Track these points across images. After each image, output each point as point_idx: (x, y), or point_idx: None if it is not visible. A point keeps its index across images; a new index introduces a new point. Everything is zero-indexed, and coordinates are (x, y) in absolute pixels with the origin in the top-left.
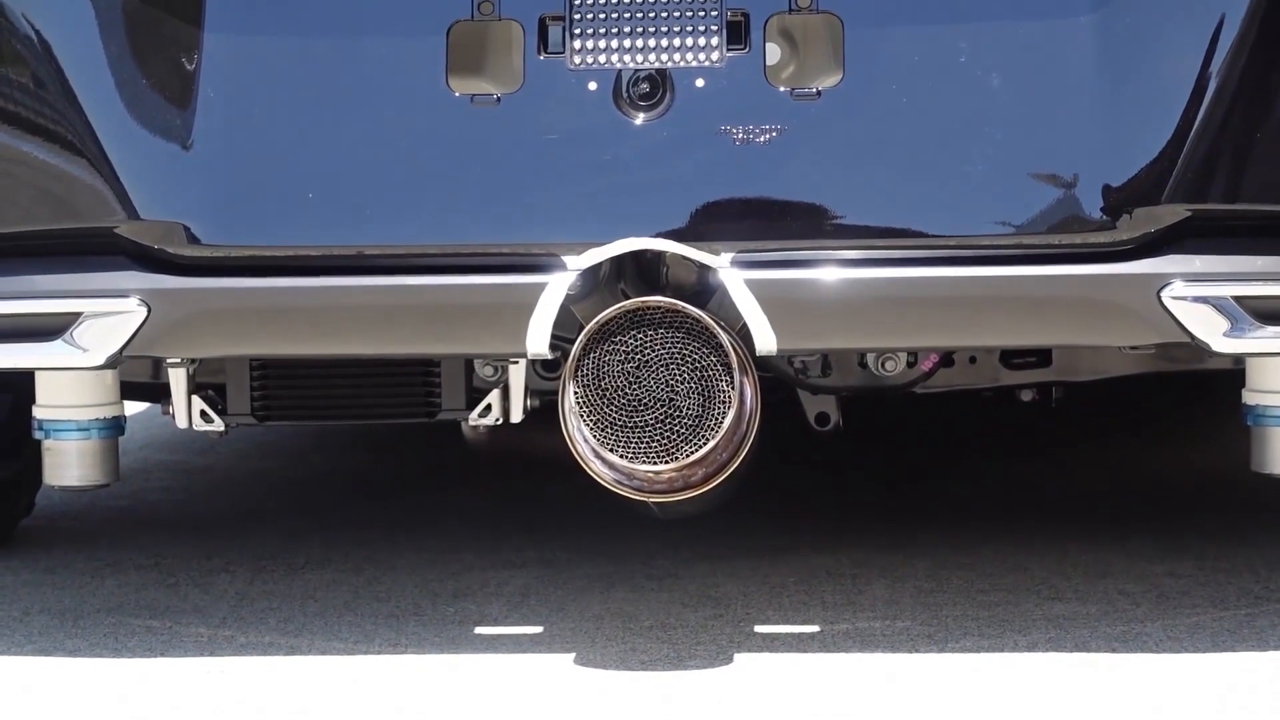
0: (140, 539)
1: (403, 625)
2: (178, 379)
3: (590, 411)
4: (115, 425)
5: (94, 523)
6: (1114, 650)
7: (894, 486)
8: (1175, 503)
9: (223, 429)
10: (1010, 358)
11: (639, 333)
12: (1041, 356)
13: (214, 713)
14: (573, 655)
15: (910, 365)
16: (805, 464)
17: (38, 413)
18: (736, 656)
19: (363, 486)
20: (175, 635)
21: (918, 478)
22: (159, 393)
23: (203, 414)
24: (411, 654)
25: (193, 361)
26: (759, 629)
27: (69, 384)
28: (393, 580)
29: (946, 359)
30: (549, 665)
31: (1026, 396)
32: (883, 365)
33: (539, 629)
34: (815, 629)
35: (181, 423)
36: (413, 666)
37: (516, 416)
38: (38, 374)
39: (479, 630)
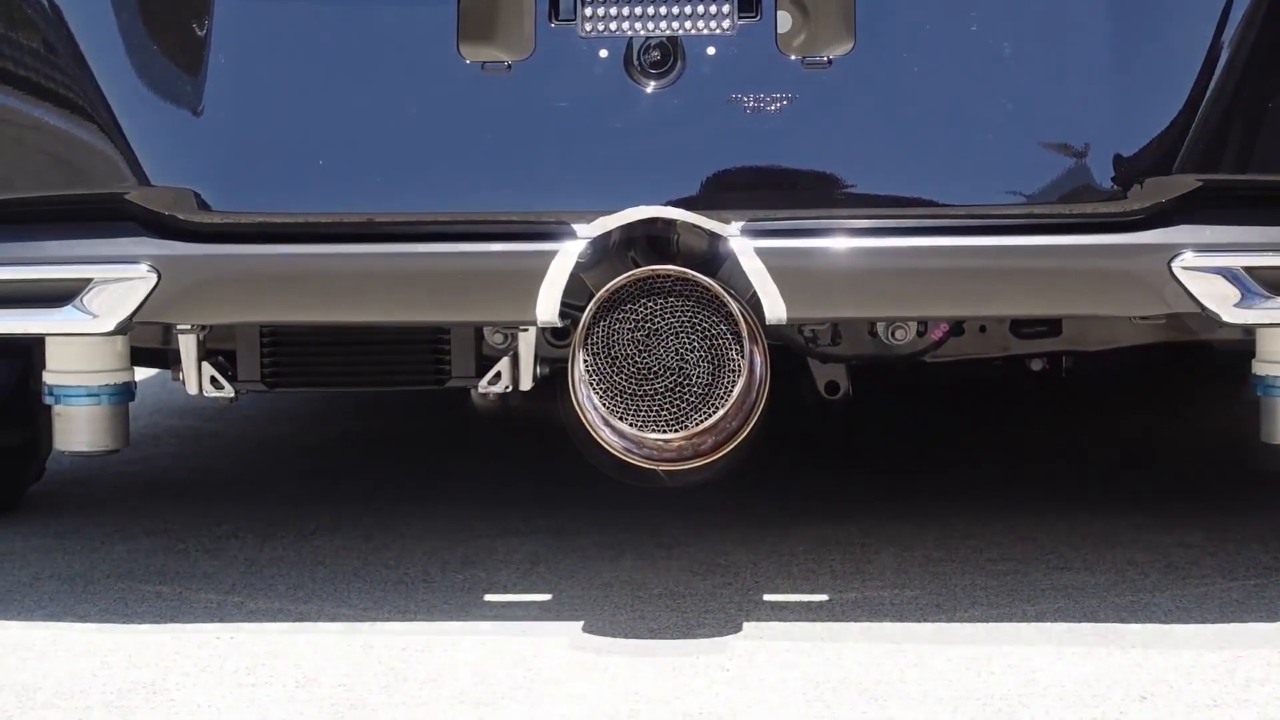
0: (150, 504)
1: (411, 592)
2: (188, 345)
3: (600, 380)
4: (125, 391)
5: (104, 488)
6: (1122, 620)
7: (903, 456)
8: (1184, 473)
9: (232, 395)
10: (1020, 327)
11: (649, 301)
12: (1052, 326)
13: (223, 679)
14: (581, 623)
15: (920, 334)
16: (815, 433)
17: (48, 378)
18: (745, 625)
19: (372, 453)
20: (185, 601)
21: (927, 447)
22: (169, 359)
23: (213, 380)
24: (420, 621)
25: (203, 328)
26: (768, 597)
27: (79, 350)
28: (401, 547)
29: (956, 328)
30: (558, 633)
31: (1037, 365)
32: (893, 334)
33: (548, 596)
34: (824, 598)
35: (191, 389)
36: (421, 633)
37: (526, 384)
38: (48, 340)
39: (488, 597)
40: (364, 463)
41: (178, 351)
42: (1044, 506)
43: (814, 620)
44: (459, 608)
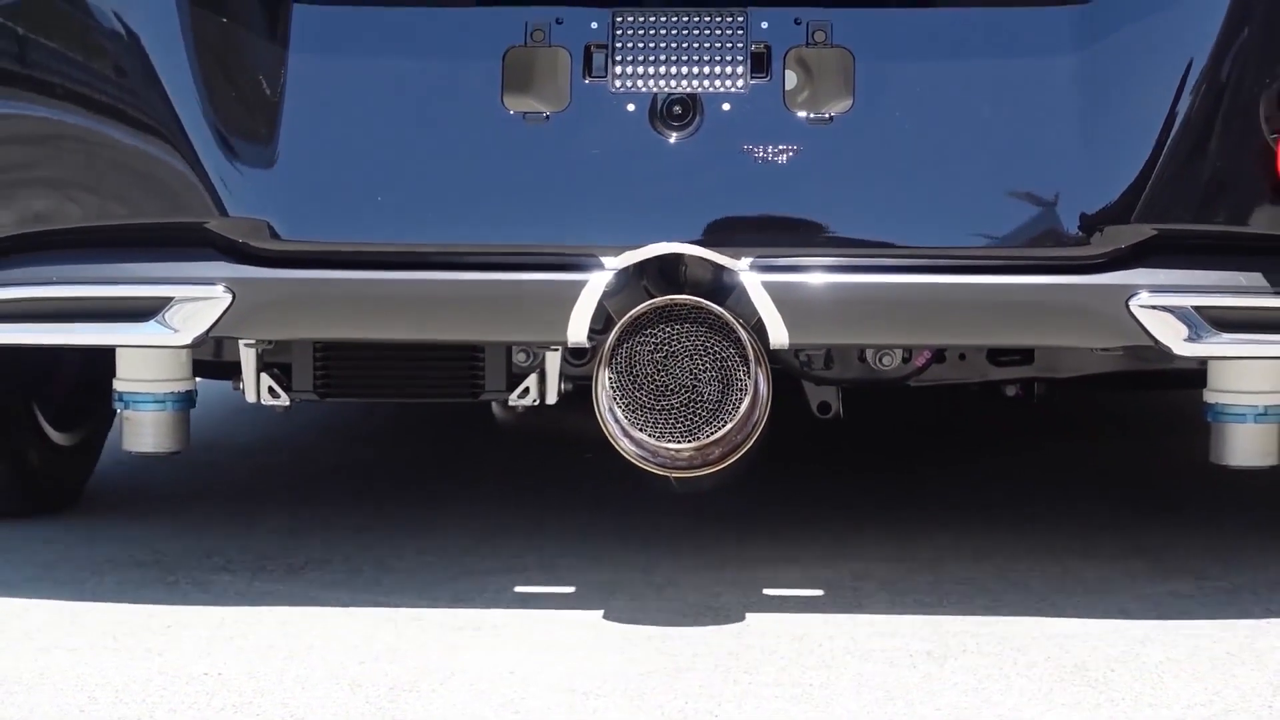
0: (142, 534)
1: (401, 629)
2: (248, 358)
3: (623, 395)
4: (187, 399)
5: (96, 516)
6: (1112, 670)
7: (896, 498)
8: (1175, 518)
9: (288, 403)
10: (997, 355)
11: (667, 326)
12: (1025, 355)
13: (210, 717)
14: (571, 665)
15: (905, 361)
16: (809, 473)
17: (118, 385)
18: (735, 670)
19: (365, 486)
20: (174, 635)
21: (919, 489)
22: (225, 370)
23: (270, 390)
24: (410, 660)
25: (264, 342)
26: (758, 641)
27: (147, 360)
28: (393, 582)
29: (938, 355)
30: (547, 674)
31: (1010, 392)
32: (880, 360)
33: (538, 636)
34: (815, 643)
35: (250, 398)
36: (410, 672)
37: (551, 398)
38: (119, 351)
39: (477, 636)
40: (357, 495)
41: (231, 363)
42: (1036, 551)
43: (804, 666)
44: (448, 647)
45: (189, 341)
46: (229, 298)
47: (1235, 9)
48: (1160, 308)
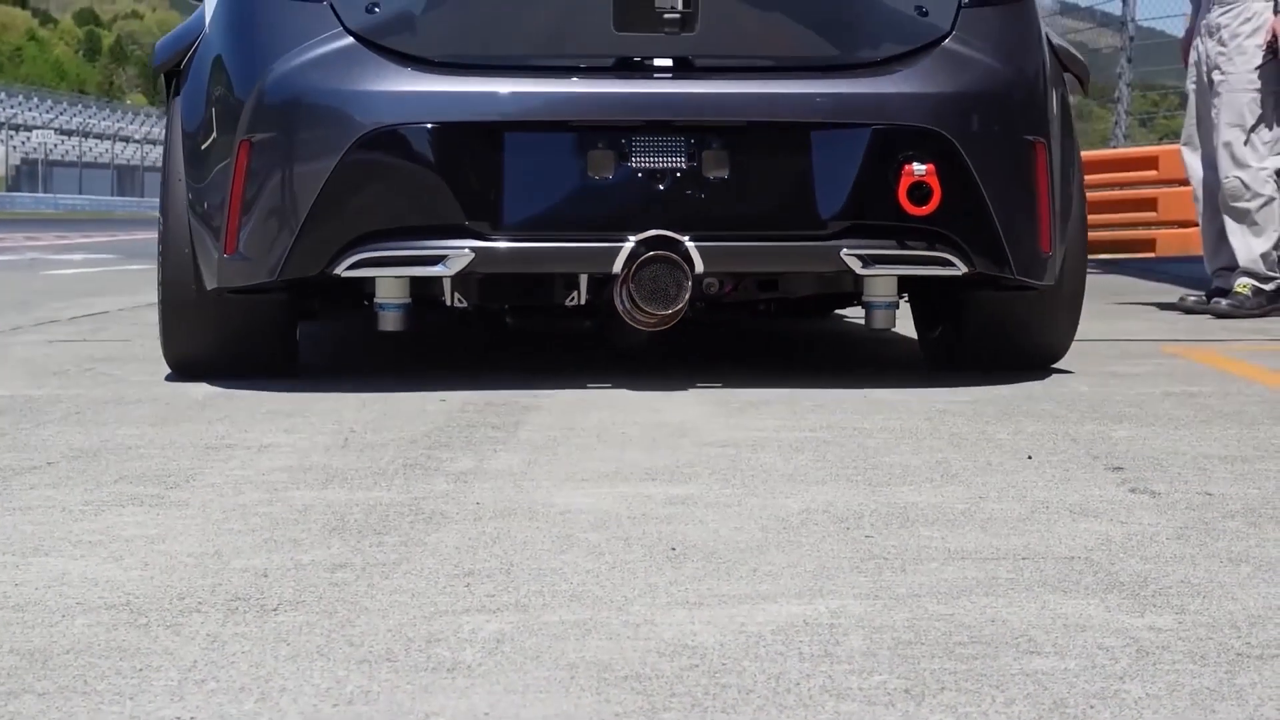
0: (112, 575)
1: (375, 671)
2: (448, 287)
3: (638, 291)
4: (408, 307)
5: (65, 555)
6: (1091, 706)
7: (871, 532)
8: (1154, 550)
9: (466, 305)
10: (761, 286)
11: (656, 264)
12: (773, 285)
13: None
14: (546, 707)
15: (720, 289)
16: (780, 508)
17: (378, 299)
18: (711, 710)
19: (338, 525)
20: (145, 679)
21: (894, 522)
22: (419, 302)
23: (457, 299)
24: (384, 702)
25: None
26: (734, 680)
27: (393, 286)
28: (366, 623)
29: (735, 286)
30: (521, 718)
31: (762, 308)
32: (710, 289)
33: (512, 677)
34: (792, 682)
35: (448, 303)
36: (385, 714)
37: (582, 302)
38: (378, 280)
39: (451, 678)
40: (329, 534)
41: (421, 296)
42: (1014, 586)
43: (781, 705)
44: (422, 689)
45: (453, 274)
46: (472, 254)
47: (877, 140)
48: (852, 254)
